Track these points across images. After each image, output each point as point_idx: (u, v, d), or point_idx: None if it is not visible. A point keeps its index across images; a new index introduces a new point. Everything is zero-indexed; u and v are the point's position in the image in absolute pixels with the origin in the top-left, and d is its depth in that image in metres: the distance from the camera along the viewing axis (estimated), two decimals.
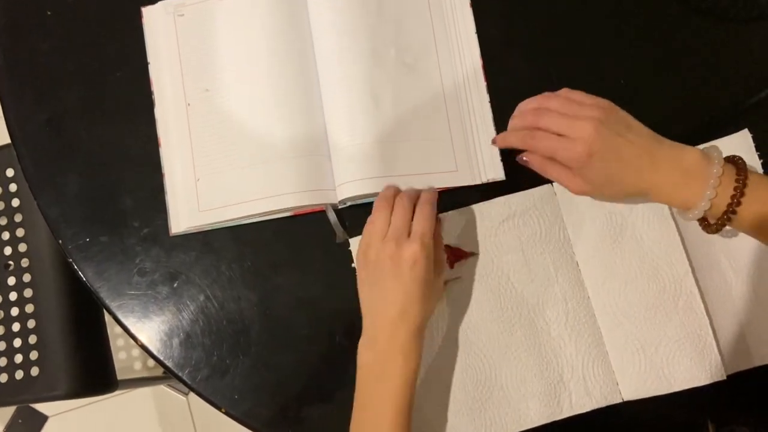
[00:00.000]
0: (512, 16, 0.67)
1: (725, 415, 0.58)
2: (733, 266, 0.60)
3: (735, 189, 0.50)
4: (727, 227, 0.52)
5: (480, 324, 0.60)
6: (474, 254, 0.61)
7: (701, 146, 0.53)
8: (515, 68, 0.65)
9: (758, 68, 0.64)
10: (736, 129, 0.62)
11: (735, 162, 0.52)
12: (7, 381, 0.86)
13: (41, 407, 1.39)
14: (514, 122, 0.60)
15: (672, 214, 0.60)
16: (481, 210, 0.62)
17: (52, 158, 0.64)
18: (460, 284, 0.61)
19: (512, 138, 0.59)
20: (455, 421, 0.58)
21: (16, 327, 0.87)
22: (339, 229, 0.62)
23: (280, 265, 0.62)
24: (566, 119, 0.54)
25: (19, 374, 0.86)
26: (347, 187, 0.60)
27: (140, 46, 0.66)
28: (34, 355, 0.86)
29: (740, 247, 0.60)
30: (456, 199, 0.62)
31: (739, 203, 0.49)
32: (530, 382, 0.58)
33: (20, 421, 1.38)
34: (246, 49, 0.65)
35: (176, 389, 1.37)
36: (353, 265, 0.61)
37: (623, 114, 0.55)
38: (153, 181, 0.63)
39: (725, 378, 0.57)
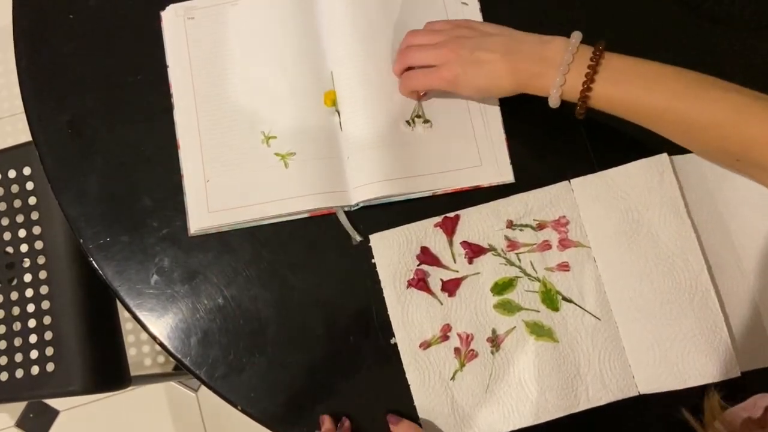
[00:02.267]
0: (520, 17, 0.67)
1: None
2: (751, 263, 0.60)
3: (586, 75, 0.53)
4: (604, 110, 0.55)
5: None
6: (492, 250, 0.62)
7: (576, 32, 0.56)
8: None
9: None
10: None
11: (598, 48, 0.54)
12: (23, 376, 0.87)
13: (52, 402, 1.40)
14: (394, 68, 0.64)
15: (688, 212, 0.61)
16: (498, 207, 0.63)
17: (73, 159, 0.65)
18: (478, 279, 0.62)
19: (400, 88, 0.64)
20: (473, 413, 0.59)
21: (32, 323, 0.88)
22: (352, 231, 0.63)
23: (297, 266, 0.63)
24: (428, 50, 0.59)
25: (34, 370, 0.87)
26: (364, 190, 0.61)
27: (160, 49, 0.67)
28: (49, 351, 0.87)
29: (759, 244, 0.61)
30: (472, 197, 0.63)
31: (589, 89, 0.53)
32: (548, 375, 0.59)
33: (32, 415, 1.39)
34: (257, 52, 0.66)
35: (186, 385, 1.38)
36: (373, 260, 0.62)
37: (481, 25, 0.61)
38: (172, 182, 0.64)
39: (740, 375, 0.58)
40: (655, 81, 0.53)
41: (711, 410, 0.50)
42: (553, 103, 0.56)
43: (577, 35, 0.55)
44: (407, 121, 0.64)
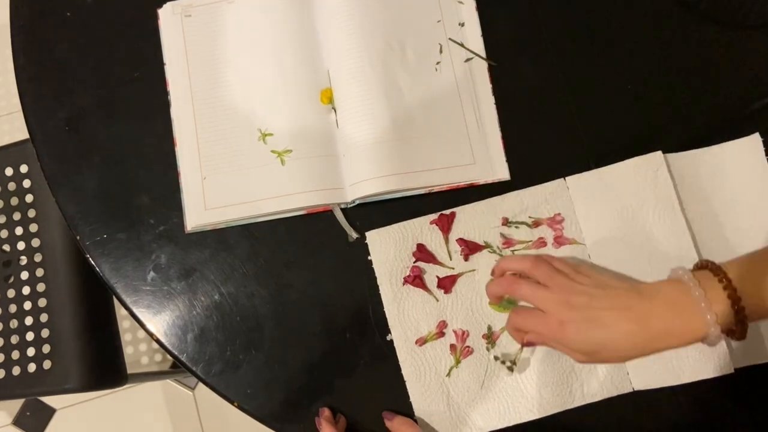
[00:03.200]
0: (516, 16, 0.68)
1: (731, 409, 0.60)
2: None
3: (729, 297, 0.47)
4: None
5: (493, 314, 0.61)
6: (488, 247, 0.62)
7: (674, 269, 0.50)
8: (522, 72, 0.66)
9: (765, 73, 0.65)
10: (747, 133, 0.63)
11: (707, 268, 0.49)
12: (20, 374, 0.87)
13: (49, 400, 1.40)
14: (490, 290, 0.55)
15: (682, 209, 0.61)
16: (494, 204, 0.63)
17: (70, 156, 0.65)
18: (474, 276, 0.62)
19: (508, 327, 0.54)
20: (469, 409, 0.60)
21: (28, 320, 0.88)
22: (349, 229, 0.63)
23: (293, 263, 0.63)
24: (539, 290, 0.50)
25: (31, 367, 0.87)
26: (360, 187, 0.62)
27: (157, 47, 0.67)
28: (46, 349, 0.87)
29: (752, 241, 0.61)
30: (468, 194, 0.64)
31: (742, 308, 0.47)
32: (543, 372, 0.60)
33: (28, 413, 1.39)
34: (254, 49, 0.66)
35: (183, 383, 1.38)
36: (369, 257, 0.63)
37: (592, 273, 0.52)
38: (169, 180, 0.64)
39: (733, 371, 0.58)
40: None
41: None
42: (714, 341, 0.48)
43: (684, 270, 0.49)
44: (504, 363, 0.60)
